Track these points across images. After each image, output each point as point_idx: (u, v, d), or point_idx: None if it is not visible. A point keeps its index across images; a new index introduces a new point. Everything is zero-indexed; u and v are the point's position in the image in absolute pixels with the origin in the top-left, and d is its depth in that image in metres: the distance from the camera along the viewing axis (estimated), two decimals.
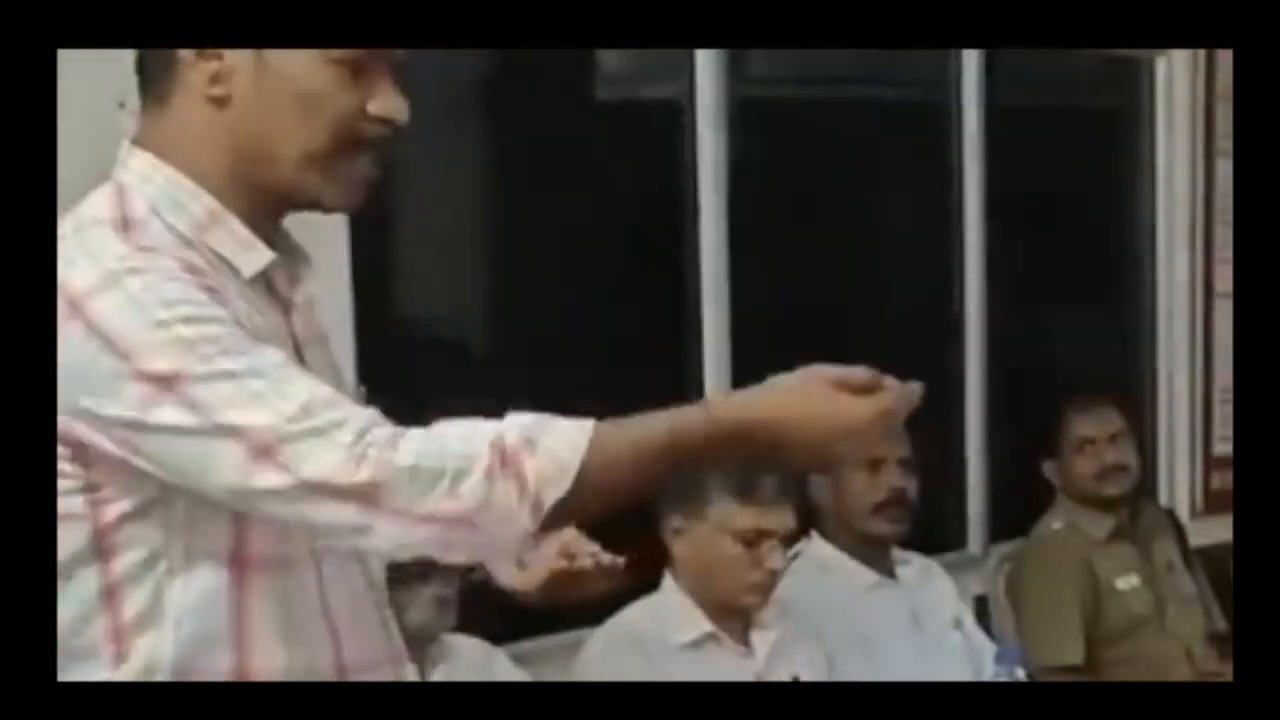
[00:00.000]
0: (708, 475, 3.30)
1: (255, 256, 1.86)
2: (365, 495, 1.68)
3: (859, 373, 1.84)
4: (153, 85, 1.88)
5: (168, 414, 1.69)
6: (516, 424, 1.72)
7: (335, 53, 1.85)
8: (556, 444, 1.71)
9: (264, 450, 1.68)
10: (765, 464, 1.84)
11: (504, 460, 1.69)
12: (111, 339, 1.71)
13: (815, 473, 3.68)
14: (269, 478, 1.68)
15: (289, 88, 1.84)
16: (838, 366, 1.85)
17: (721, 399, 1.84)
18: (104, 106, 2.52)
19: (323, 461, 1.67)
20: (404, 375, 3.60)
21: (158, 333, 1.70)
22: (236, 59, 1.84)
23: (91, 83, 2.48)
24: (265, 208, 1.90)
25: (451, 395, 3.80)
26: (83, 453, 1.75)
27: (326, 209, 1.92)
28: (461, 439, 1.70)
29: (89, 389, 1.72)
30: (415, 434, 1.70)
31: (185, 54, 1.83)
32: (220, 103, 1.84)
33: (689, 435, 1.76)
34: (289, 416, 1.69)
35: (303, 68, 1.84)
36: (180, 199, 1.85)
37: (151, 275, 1.73)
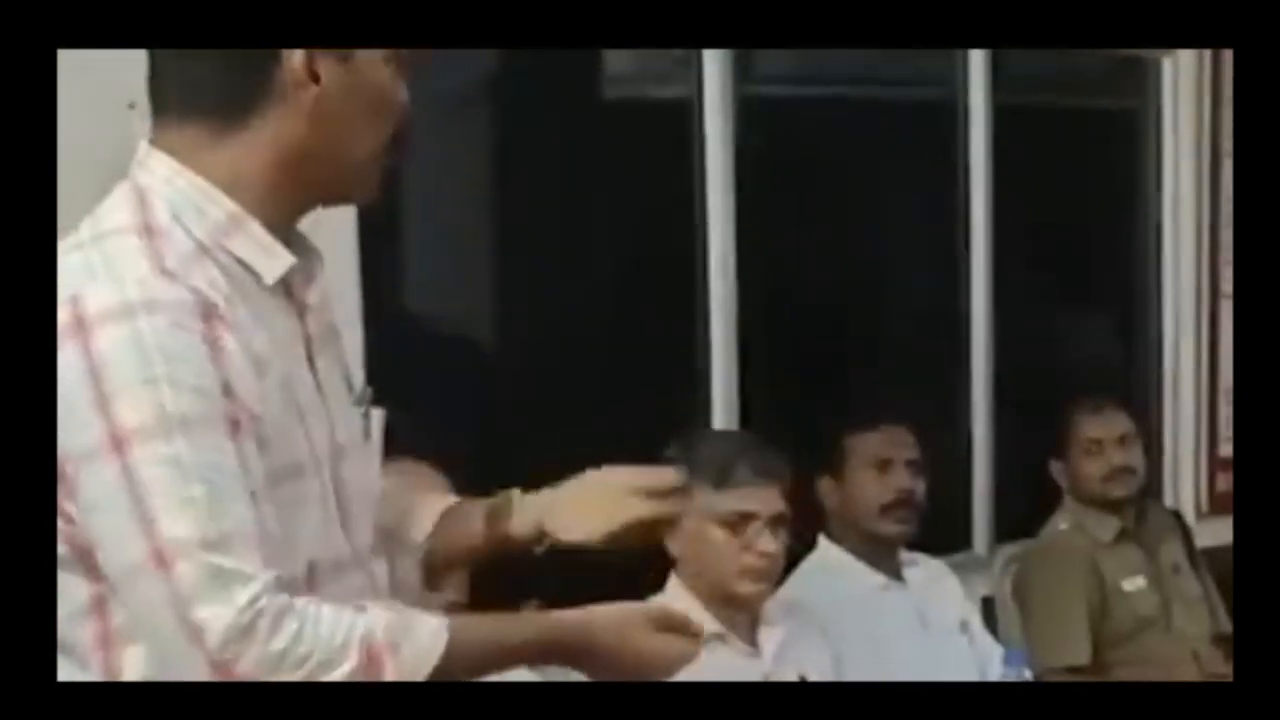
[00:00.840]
0: (686, 465, 3.31)
1: (276, 262, 1.88)
2: (220, 664, 1.69)
3: (672, 617, 2.08)
4: (230, 99, 1.87)
5: (107, 471, 1.70)
6: (384, 622, 1.78)
7: (391, 51, 1.90)
8: (416, 649, 1.80)
9: (163, 559, 1.69)
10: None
11: (369, 659, 1.76)
12: (101, 373, 1.71)
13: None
14: (155, 584, 1.69)
15: (370, 95, 1.90)
16: (655, 608, 2.12)
17: (555, 619, 2.01)
18: (104, 107, 2.53)
19: (208, 607, 1.68)
20: (411, 373, 3.61)
21: (144, 387, 1.70)
22: (332, 76, 1.87)
23: (91, 83, 2.49)
24: (293, 210, 1.93)
25: (458, 394, 3.85)
26: None
27: (363, 200, 1.99)
28: (335, 629, 1.74)
29: (62, 409, 1.72)
30: (298, 614, 1.72)
31: (294, 73, 1.85)
32: (315, 118, 1.87)
33: (523, 647, 1.96)
34: (204, 541, 1.69)
35: (377, 70, 1.90)
36: (201, 204, 1.85)
37: (162, 317, 1.73)
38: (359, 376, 3.22)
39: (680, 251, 4.29)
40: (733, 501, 3.31)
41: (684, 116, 4.28)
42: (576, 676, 2.07)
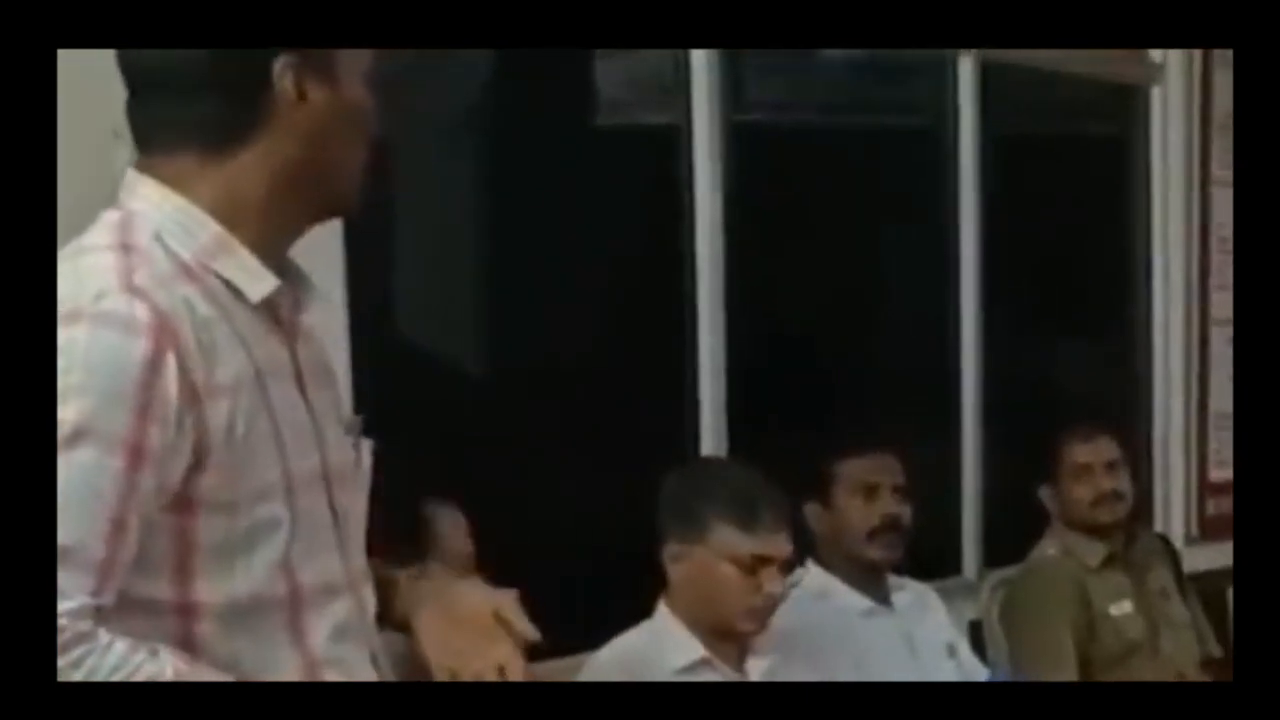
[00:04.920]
0: (706, 502, 3.33)
1: (262, 284, 1.90)
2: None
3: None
4: (223, 125, 1.89)
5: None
6: (170, 670, 1.76)
7: (369, 68, 1.95)
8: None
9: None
10: None
11: None
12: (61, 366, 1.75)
13: None
14: None
15: (352, 112, 1.95)
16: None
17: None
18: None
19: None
20: (399, 401, 3.61)
21: (62, 392, 1.73)
22: (319, 96, 1.91)
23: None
24: (284, 232, 1.96)
25: (447, 421, 3.86)
26: None
27: (346, 215, 2.04)
28: (120, 666, 1.73)
29: None
30: (91, 644, 1.72)
31: (285, 96, 1.89)
32: (306, 139, 1.91)
33: None
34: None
35: (358, 88, 1.95)
36: (189, 226, 1.87)
37: (104, 330, 1.76)
38: (346, 403, 3.29)
39: (669, 277, 4.31)
40: (756, 545, 3.30)
41: (674, 143, 4.29)
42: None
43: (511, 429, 4.05)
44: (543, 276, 4.15)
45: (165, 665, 1.75)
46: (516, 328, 4.16)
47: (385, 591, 2.10)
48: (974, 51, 4.85)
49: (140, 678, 1.73)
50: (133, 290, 1.78)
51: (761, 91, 4.62)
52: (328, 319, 3.25)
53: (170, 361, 1.77)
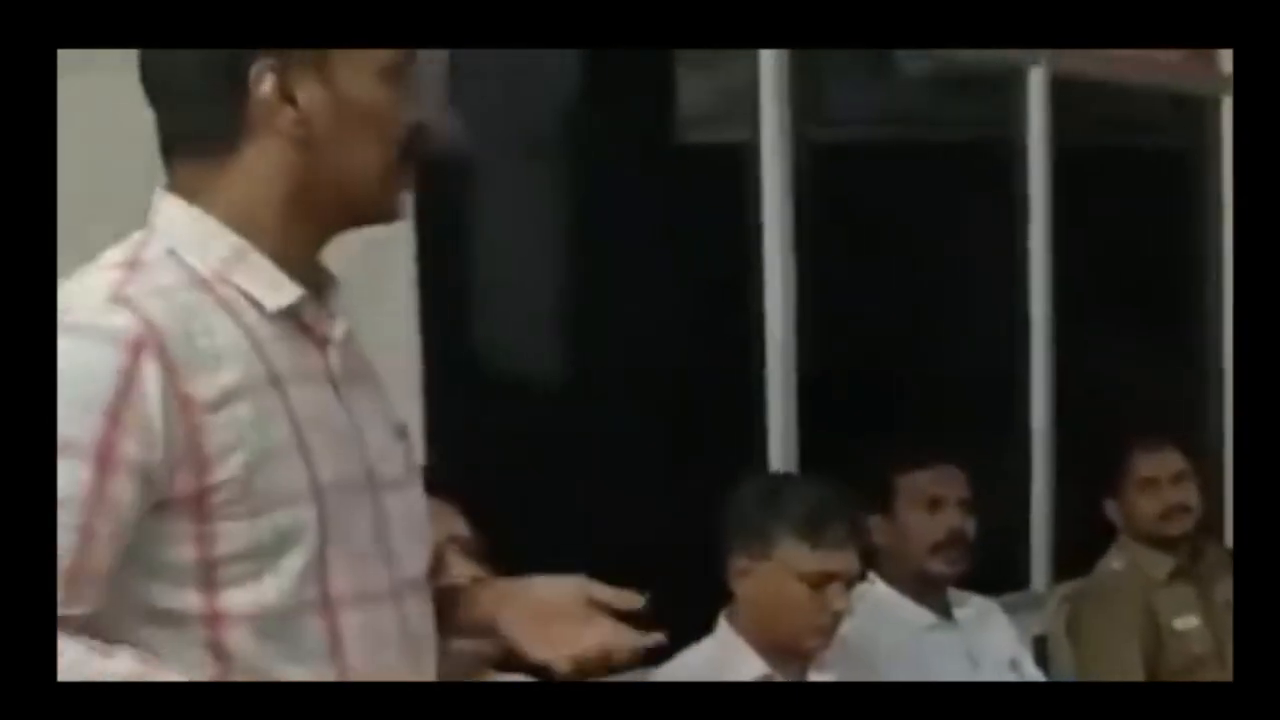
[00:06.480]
0: (773, 518, 3.33)
1: (280, 294, 1.88)
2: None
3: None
4: (209, 134, 1.88)
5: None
6: (125, 670, 1.73)
7: (385, 66, 1.89)
8: None
9: None
10: None
11: None
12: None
13: None
14: None
15: (360, 112, 1.89)
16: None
17: None
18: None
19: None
20: (470, 415, 3.66)
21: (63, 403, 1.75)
22: (312, 98, 1.86)
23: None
24: (307, 238, 1.93)
25: (518, 435, 3.91)
26: None
27: (384, 222, 1.97)
28: (74, 667, 1.71)
29: None
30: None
31: (264, 100, 1.86)
32: (303, 143, 1.88)
33: None
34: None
35: (366, 90, 1.89)
36: (204, 239, 1.87)
37: (82, 341, 1.77)
38: (418, 416, 3.33)
39: (739, 290, 4.34)
40: (823, 561, 3.29)
41: (746, 158, 4.32)
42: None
43: (582, 440, 4.08)
44: (615, 291, 4.19)
45: (118, 667, 1.72)
46: (588, 340, 4.21)
47: (452, 599, 2.07)
48: (1043, 65, 4.86)
49: (95, 678, 1.70)
50: (119, 300, 1.79)
51: (832, 107, 4.64)
52: (400, 329, 3.36)
53: (150, 372, 1.76)
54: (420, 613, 1.98)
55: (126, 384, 1.75)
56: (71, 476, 1.73)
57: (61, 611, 1.71)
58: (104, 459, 1.74)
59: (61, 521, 1.72)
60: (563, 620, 2.01)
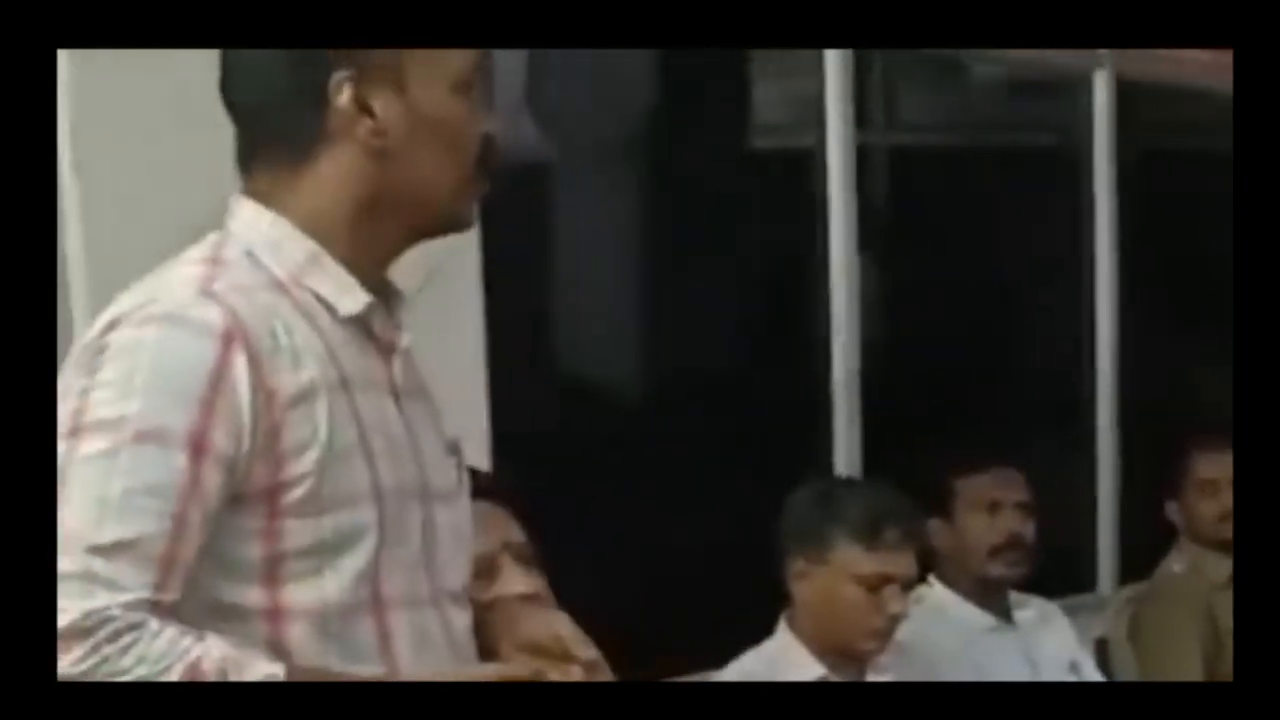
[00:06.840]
0: (830, 521, 3.34)
1: (352, 298, 1.92)
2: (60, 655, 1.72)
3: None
4: (288, 143, 1.93)
5: (60, 451, 1.76)
6: (218, 653, 1.75)
7: (458, 79, 1.93)
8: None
9: (60, 547, 1.73)
10: None
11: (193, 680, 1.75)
12: (99, 366, 1.79)
13: None
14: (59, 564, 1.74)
15: (433, 124, 1.92)
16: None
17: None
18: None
19: (65, 601, 1.71)
20: (536, 420, 3.70)
21: (117, 388, 1.77)
22: (388, 108, 1.90)
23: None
24: (379, 248, 1.97)
25: (585, 443, 3.94)
26: None
27: (455, 232, 2.01)
28: (168, 651, 1.73)
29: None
30: (142, 631, 1.72)
31: (342, 110, 1.90)
32: (378, 153, 1.91)
33: None
34: (92, 543, 1.73)
35: (439, 102, 1.93)
36: (280, 242, 1.92)
37: (176, 330, 1.79)
38: (484, 421, 3.38)
39: (803, 294, 4.38)
40: (879, 564, 3.31)
41: (813, 164, 4.36)
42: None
43: (647, 445, 4.12)
44: (682, 296, 4.22)
45: (210, 649, 1.74)
46: (654, 344, 4.25)
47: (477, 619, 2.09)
48: (1107, 68, 4.87)
49: (184, 660, 1.72)
50: (209, 295, 1.83)
51: (898, 112, 4.67)
52: (462, 333, 3.40)
53: (240, 365, 1.80)
54: (462, 624, 2.02)
55: (219, 376, 1.79)
56: (168, 464, 1.76)
57: (154, 596, 1.74)
58: (198, 448, 1.77)
59: (157, 509, 1.75)
60: (542, 658, 2.03)
